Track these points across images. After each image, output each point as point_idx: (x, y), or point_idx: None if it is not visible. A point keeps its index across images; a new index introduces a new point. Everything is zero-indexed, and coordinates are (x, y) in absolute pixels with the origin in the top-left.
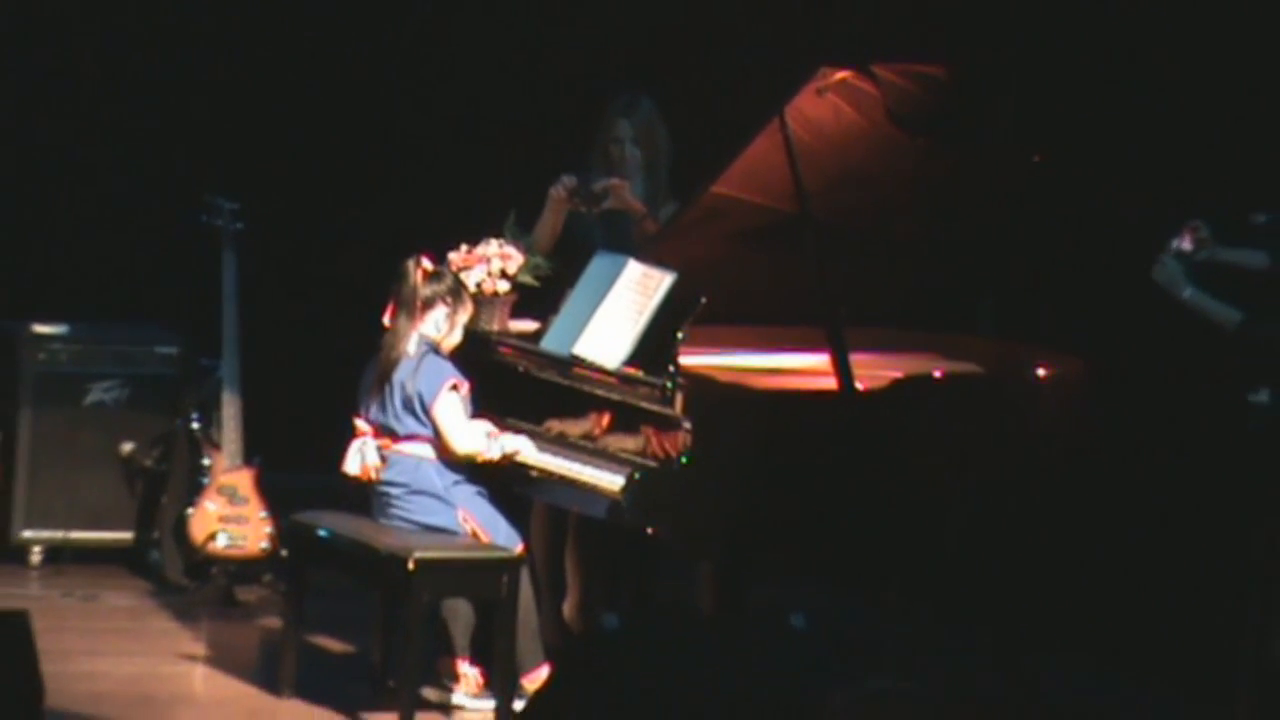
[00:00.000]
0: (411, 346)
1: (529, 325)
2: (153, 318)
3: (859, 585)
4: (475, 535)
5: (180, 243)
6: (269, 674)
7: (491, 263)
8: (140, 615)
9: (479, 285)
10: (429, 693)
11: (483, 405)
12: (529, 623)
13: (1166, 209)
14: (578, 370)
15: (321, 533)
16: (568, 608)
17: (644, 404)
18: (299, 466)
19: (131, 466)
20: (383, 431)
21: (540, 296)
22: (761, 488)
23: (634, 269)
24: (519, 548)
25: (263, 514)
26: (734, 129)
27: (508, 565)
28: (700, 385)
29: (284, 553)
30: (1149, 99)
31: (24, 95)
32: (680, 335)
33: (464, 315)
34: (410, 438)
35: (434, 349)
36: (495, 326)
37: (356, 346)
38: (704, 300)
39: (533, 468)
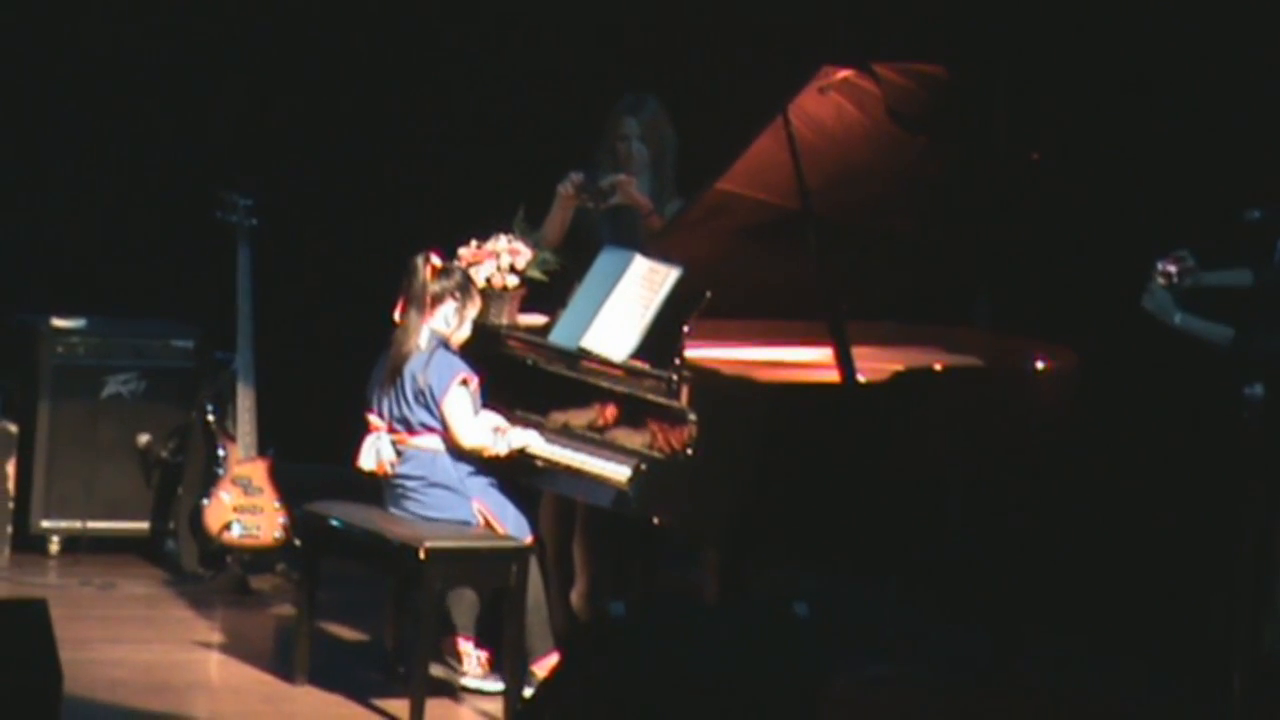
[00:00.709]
0: (423, 341)
1: (537, 319)
2: (169, 312)
3: (860, 573)
4: (489, 525)
5: (196, 238)
6: (283, 661)
7: (501, 258)
8: (157, 603)
9: (488, 280)
10: (435, 669)
11: (492, 397)
12: (539, 610)
13: (1161, 206)
14: (585, 363)
15: (334, 522)
16: (575, 596)
17: (650, 396)
18: (312, 457)
19: (148, 458)
20: (396, 426)
21: (548, 291)
22: (765, 478)
23: (640, 264)
24: (529, 538)
25: (276, 504)
26: (738, 127)
27: (517, 554)
28: (705, 378)
29: (297, 542)
30: (1145, 97)
31: (41, 93)
32: (686, 329)
33: (473, 310)
34: (424, 431)
35: (444, 344)
36: (504, 320)
37: (368, 340)
38: (709, 295)
39: (541, 458)
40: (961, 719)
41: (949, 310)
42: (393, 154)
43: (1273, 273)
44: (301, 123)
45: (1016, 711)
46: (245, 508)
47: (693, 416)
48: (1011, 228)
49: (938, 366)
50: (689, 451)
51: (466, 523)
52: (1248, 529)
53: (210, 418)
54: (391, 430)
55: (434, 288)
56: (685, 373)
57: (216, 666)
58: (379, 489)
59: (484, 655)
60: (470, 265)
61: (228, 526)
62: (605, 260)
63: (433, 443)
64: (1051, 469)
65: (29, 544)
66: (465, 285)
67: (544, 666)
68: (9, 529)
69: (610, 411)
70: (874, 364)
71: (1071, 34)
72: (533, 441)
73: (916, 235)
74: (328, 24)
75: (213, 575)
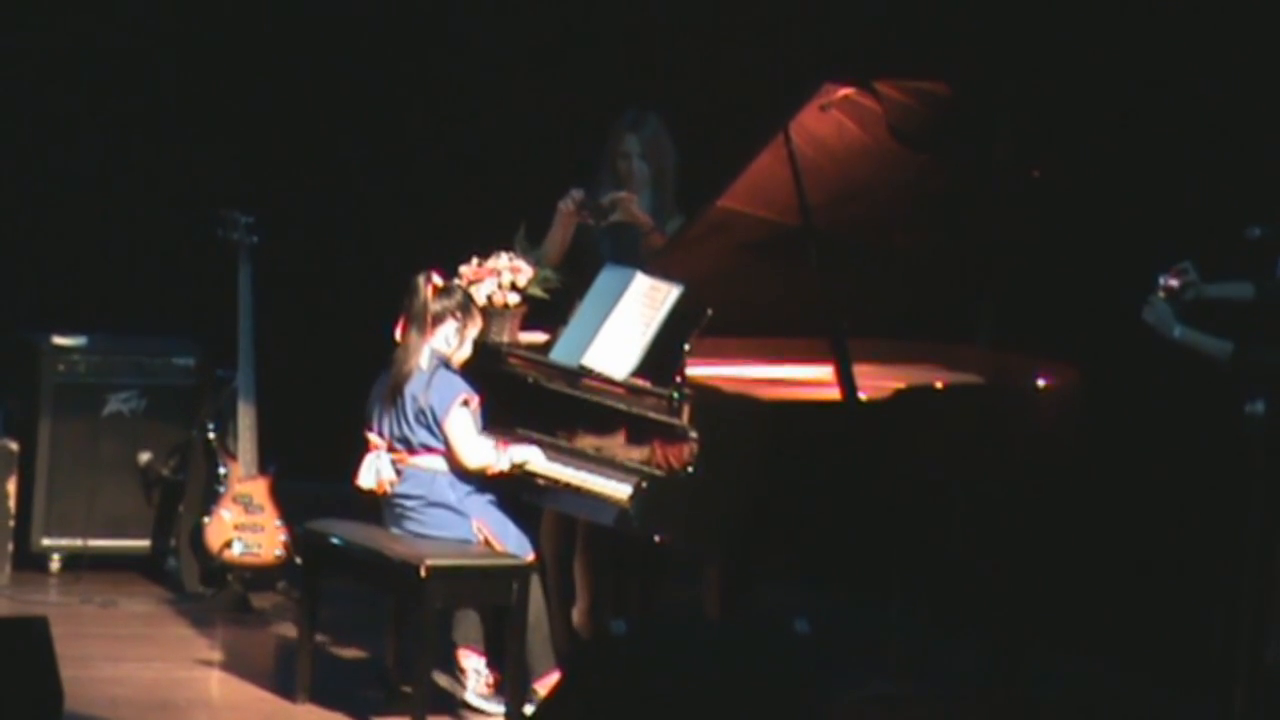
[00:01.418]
0: (424, 361)
1: (538, 337)
2: (170, 330)
3: (862, 590)
4: (489, 544)
5: (197, 256)
6: (284, 679)
7: (502, 275)
8: (157, 621)
9: (489, 298)
10: (440, 679)
11: (493, 416)
12: (540, 628)
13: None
14: (586, 381)
15: (335, 540)
16: (576, 614)
17: (651, 414)
18: (313, 475)
19: (149, 475)
20: (396, 445)
21: (549, 308)
22: (766, 496)
23: (641, 281)
24: (530, 556)
25: (277, 522)
26: (740, 144)
27: (518, 572)
28: (706, 396)
29: (298, 560)
30: (1146, 113)
31: (42, 111)
32: (687, 346)
33: (473, 329)
34: (424, 450)
35: (445, 363)
36: (505, 338)
37: (369, 358)
38: (710, 312)
39: (542, 476)
40: None
41: (950, 327)
42: (393, 172)
43: (1274, 287)
44: (302, 141)
45: None
46: (246, 526)
47: (694, 434)
48: (1012, 245)
49: (939, 384)
50: (690, 469)
51: (467, 541)
52: (1249, 543)
53: (211, 435)
54: (392, 449)
55: (435, 307)
56: (686, 390)
57: (217, 684)
58: (379, 508)
59: (491, 676)
60: (471, 283)
61: (229, 544)
62: (606, 278)
63: (433, 462)
64: (1053, 485)
65: (30, 562)
66: (466, 305)
67: (546, 685)
68: (10, 547)
69: (611, 429)
70: (875, 381)
71: (1073, 50)
72: (533, 458)
73: (918, 253)
74: (329, 42)
75: (214, 593)
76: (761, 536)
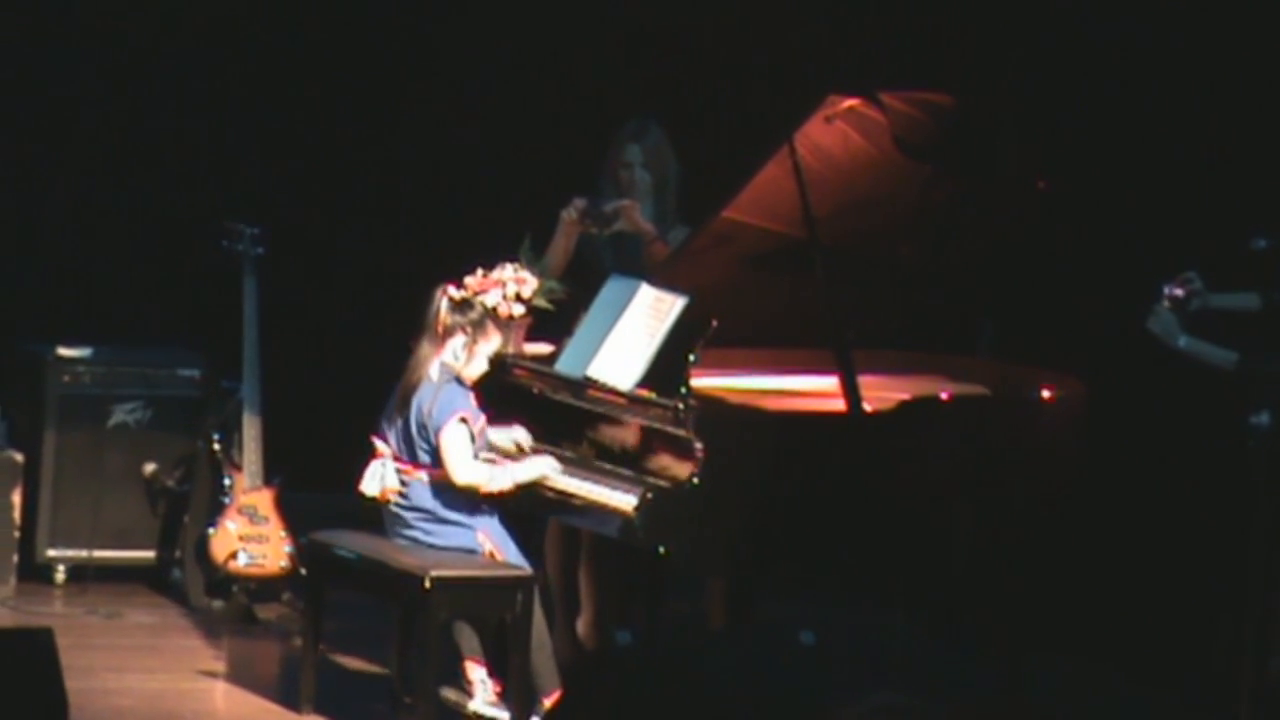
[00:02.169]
0: (433, 372)
1: (544, 348)
2: (175, 341)
3: (866, 601)
4: (492, 556)
5: (202, 267)
6: (289, 690)
7: (507, 287)
8: (162, 633)
9: (494, 309)
10: (448, 693)
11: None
12: (543, 648)
13: (1168, 233)
14: (591, 392)
15: (340, 551)
16: (581, 625)
17: (656, 425)
18: (318, 486)
19: (154, 487)
20: (402, 455)
21: (554, 320)
22: (771, 507)
23: (647, 292)
24: (530, 571)
25: (282, 533)
26: (744, 155)
27: (523, 583)
28: (711, 407)
29: (303, 571)
30: (1151, 124)
31: (47, 124)
32: (692, 357)
33: (485, 345)
34: (427, 461)
35: (456, 378)
36: (510, 349)
37: (374, 369)
38: (715, 323)
39: (548, 488)
40: None
41: (955, 339)
42: (398, 184)
43: None
44: (308, 153)
45: None
46: (251, 537)
47: (699, 445)
48: (1017, 256)
49: (943, 395)
50: (695, 480)
51: (471, 552)
52: (1253, 553)
53: (216, 446)
54: (397, 459)
55: (446, 320)
56: (691, 401)
57: (222, 696)
58: (383, 517)
59: (495, 685)
60: (477, 294)
61: (234, 555)
62: (611, 289)
63: (435, 474)
64: (1057, 496)
65: (35, 573)
66: (480, 321)
67: (554, 701)
68: (15, 558)
69: (616, 440)
70: (880, 393)
71: (1078, 62)
72: (550, 472)
73: (922, 264)
74: (333, 53)
75: (219, 604)
76: (766, 547)
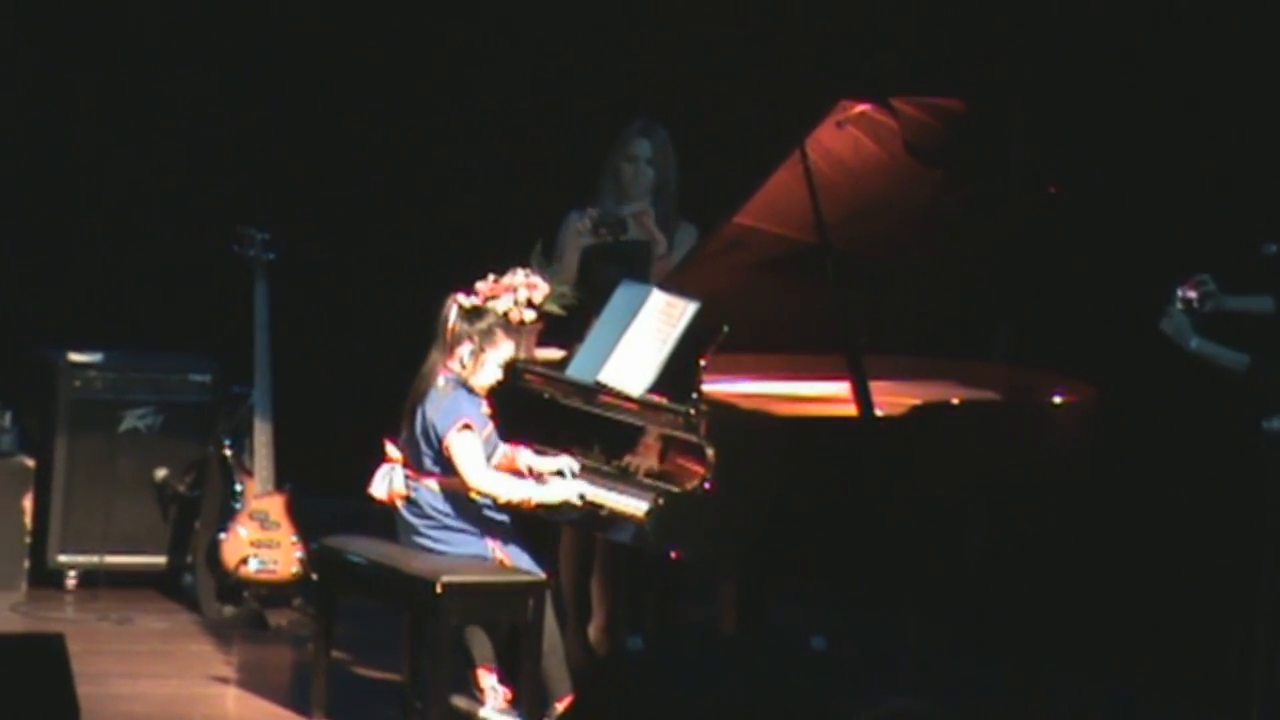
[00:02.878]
0: (441, 380)
1: (555, 353)
2: (186, 346)
3: (878, 607)
4: (503, 562)
5: (213, 272)
6: (300, 696)
7: (518, 292)
8: (174, 638)
9: (505, 314)
10: (460, 702)
11: (509, 432)
12: (555, 653)
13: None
14: (602, 397)
15: (351, 557)
16: (593, 630)
17: (668, 430)
18: (329, 492)
19: (165, 492)
20: (411, 460)
21: (566, 325)
22: (782, 512)
23: (658, 298)
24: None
25: (294, 539)
26: (756, 161)
27: (534, 589)
28: (723, 412)
29: (314, 577)
30: (1163, 130)
31: (59, 129)
32: (703, 363)
33: (495, 353)
34: (432, 472)
35: (464, 385)
36: (522, 354)
37: (385, 374)
38: (726, 329)
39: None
40: None
41: (967, 344)
42: (410, 188)
43: None
44: (319, 158)
45: None
46: (262, 542)
47: (710, 450)
48: (1029, 261)
49: (955, 401)
50: (707, 485)
51: (482, 558)
52: (1267, 561)
53: (227, 452)
54: (407, 464)
55: (455, 328)
56: (703, 407)
57: (234, 702)
58: (393, 522)
59: (506, 692)
60: (488, 299)
61: (245, 561)
62: (623, 294)
63: (442, 481)
64: (1069, 502)
65: (46, 579)
66: (489, 330)
67: (566, 706)
68: (26, 564)
69: (627, 446)
70: (892, 398)
71: (1089, 67)
72: (575, 498)
73: (934, 269)
74: (345, 58)
75: (230, 610)
76: (778, 553)
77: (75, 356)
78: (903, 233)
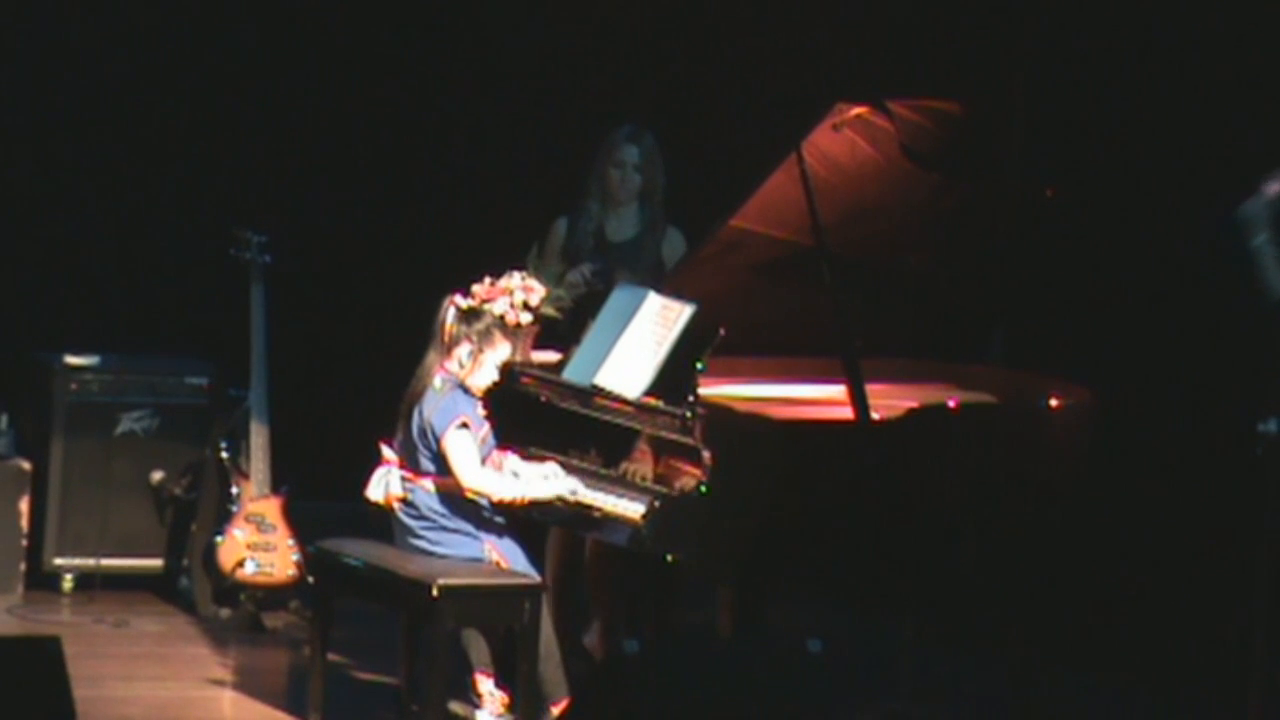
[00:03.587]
0: (437, 381)
1: (551, 356)
2: (183, 349)
3: (875, 609)
4: (499, 565)
5: (210, 275)
6: (297, 699)
7: (514, 295)
8: (170, 641)
9: (502, 317)
10: (456, 707)
11: (505, 435)
12: (551, 657)
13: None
14: (599, 400)
15: (347, 560)
16: (592, 634)
17: (664, 433)
18: (326, 494)
19: (161, 495)
20: (407, 462)
21: (563, 328)
22: (779, 515)
23: (654, 301)
24: (538, 580)
25: (290, 541)
26: (752, 163)
27: (530, 592)
28: (719, 415)
29: (311, 579)
30: (1162, 132)
31: (55, 131)
32: (700, 366)
33: (492, 354)
34: (429, 472)
35: (460, 386)
36: (518, 357)
37: (381, 377)
38: (723, 332)
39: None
40: None
41: (963, 347)
42: (407, 191)
43: None
44: (315, 160)
45: None
46: (259, 545)
47: (707, 453)
48: (1026, 264)
49: (952, 404)
50: (703, 489)
51: (478, 560)
52: (1263, 561)
53: (224, 455)
54: (403, 466)
55: (452, 329)
56: (699, 410)
57: (230, 705)
58: (390, 525)
59: (503, 696)
60: (484, 302)
61: (241, 564)
62: (619, 297)
63: (439, 483)
64: (1066, 504)
65: (42, 581)
66: (487, 331)
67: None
68: (22, 566)
69: (624, 449)
70: (888, 401)
71: (1086, 69)
72: (566, 492)
73: (931, 271)
74: (342, 61)
75: (226, 613)
76: (774, 556)
77: (72, 359)
78: (899, 235)
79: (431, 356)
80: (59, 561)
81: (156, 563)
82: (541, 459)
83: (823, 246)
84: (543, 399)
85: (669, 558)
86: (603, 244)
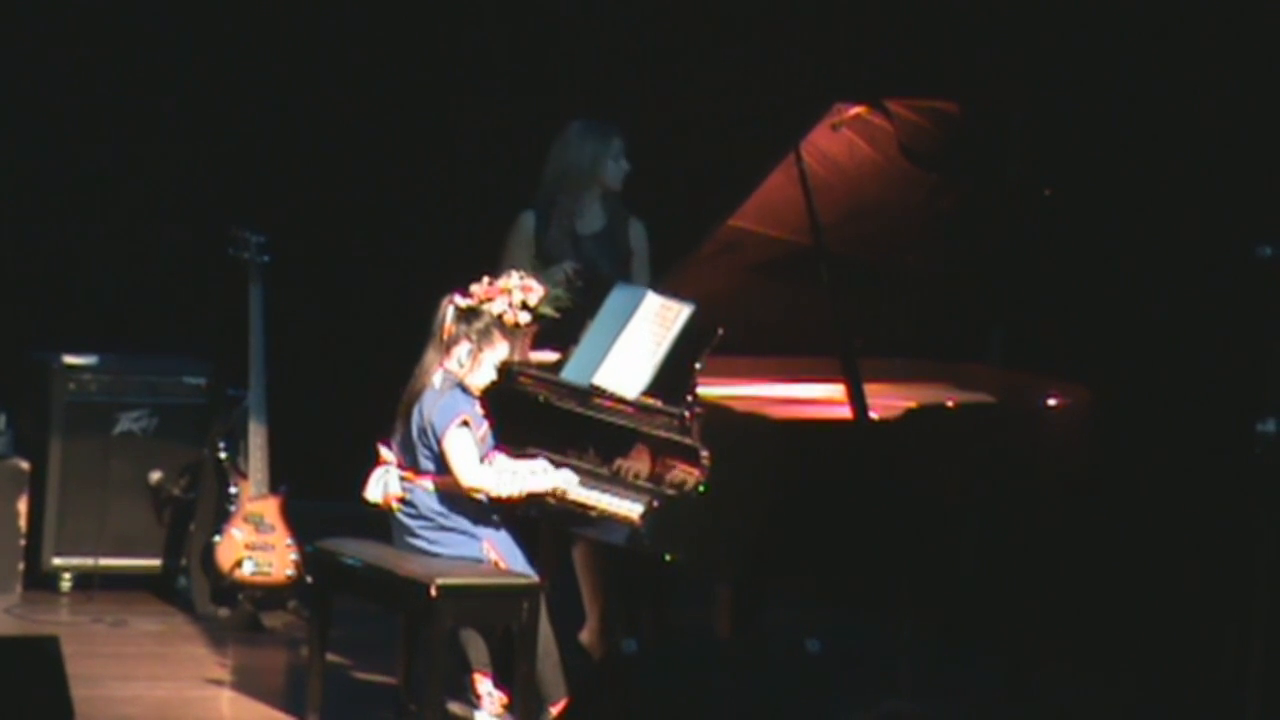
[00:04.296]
0: (436, 380)
1: (550, 356)
2: (181, 349)
3: (873, 609)
4: (498, 565)
5: (208, 275)
6: (295, 699)
7: (513, 294)
8: (168, 641)
9: (500, 317)
10: (455, 708)
11: (504, 435)
12: (550, 656)
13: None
14: (597, 400)
15: (346, 560)
16: (586, 633)
17: (662, 433)
18: (324, 494)
19: (160, 495)
20: (405, 462)
21: (561, 328)
22: (777, 515)
23: (653, 300)
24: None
25: (288, 541)
26: (751, 163)
27: (529, 592)
28: (718, 415)
29: (309, 579)
30: (1160, 132)
31: (53, 131)
32: (698, 365)
33: (491, 354)
34: (429, 468)
35: (459, 385)
36: (516, 357)
37: (380, 377)
38: (721, 331)
39: (554, 496)
40: None
41: (962, 347)
42: (406, 191)
43: None
44: (314, 159)
45: None
46: (257, 545)
47: (705, 453)
48: (1024, 264)
49: (950, 403)
50: (701, 489)
51: (477, 560)
52: (1260, 561)
53: (222, 454)
54: (401, 466)
55: (451, 329)
56: (698, 409)
57: (228, 704)
58: (389, 525)
59: (502, 696)
60: (483, 302)
61: (239, 564)
62: (617, 297)
63: (438, 482)
64: (1064, 504)
65: (40, 581)
66: (486, 330)
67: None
68: (20, 566)
69: (622, 449)
70: (886, 401)
71: (1085, 68)
72: (564, 484)
73: (929, 271)
74: (341, 61)
75: (225, 613)
76: (772, 555)
77: (70, 359)
78: (897, 235)
79: (430, 356)
80: (57, 561)
81: (155, 562)
82: (531, 456)
83: (821, 246)
84: (541, 399)
85: (667, 557)
86: (574, 238)
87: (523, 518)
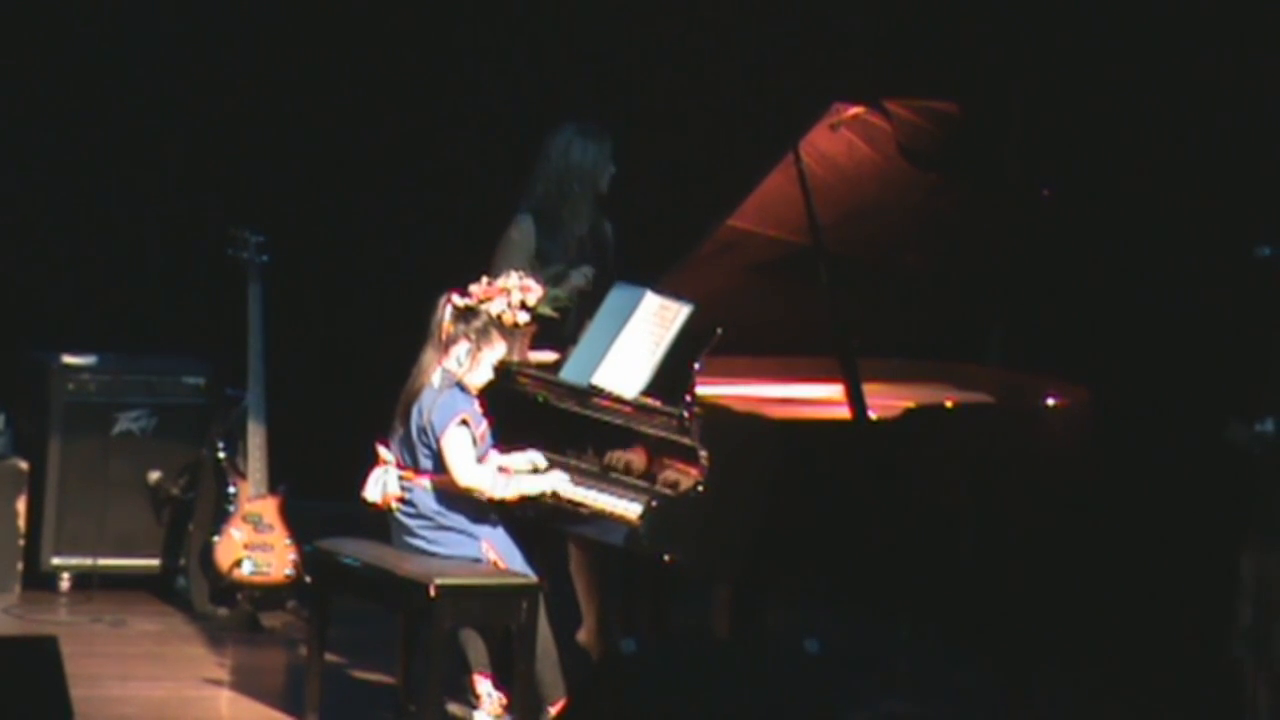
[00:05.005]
0: (435, 379)
1: (549, 356)
2: (180, 349)
3: (872, 609)
4: (496, 565)
5: (207, 275)
6: (294, 699)
7: (512, 294)
8: (167, 640)
9: (499, 316)
10: (454, 708)
11: (503, 435)
12: (548, 656)
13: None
14: (596, 400)
15: (345, 559)
16: (584, 633)
17: (661, 433)
18: (323, 494)
19: (159, 495)
20: (404, 461)
21: (560, 328)
22: (776, 515)
23: (652, 300)
24: (535, 580)
25: (287, 541)
26: (750, 163)
27: (527, 592)
28: (717, 415)
29: (308, 579)
30: (1158, 132)
31: (52, 132)
32: (697, 365)
33: (490, 353)
34: (429, 467)
35: (458, 384)
36: (515, 357)
37: (378, 377)
38: (720, 331)
39: (560, 499)
40: None
41: (961, 347)
42: (405, 191)
43: None
44: (313, 159)
45: None
46: (256, 545)
47: (704, 453)
48: (1023, 264)
49: (949, 403)
50: (700, 489)
51: (476, 560)
52: (1255, 563)
53: (221, 454)
54: (400, 466)
55: (450, 328)
56: (696, 409)
57: (227, 704)
58: (387, 525)
59: (501, 697)
60: (482, 302)
61: (238, 563)
62: (616, 297)
63: (437, 481)
64: (1062, 504)
65: (40, 581)
66: (485, 329)
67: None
68: (20, 566)
69: (621, 449)
70: (885, 401)
71: (1084, 69)
72: (559, 487)
73: (928, 272)
74: (340, 61)
75: (224, 612)
76: (771, 556)
77: (69, 359)
78: (896, 235)
79: (429, 355)
80: (56, 561)
81: (154, 562)
82: (521, 448)
83: (820, 246)
84: (540, 399)
85: (666, 558)
86: (576, 241)
87: (520, 518)
